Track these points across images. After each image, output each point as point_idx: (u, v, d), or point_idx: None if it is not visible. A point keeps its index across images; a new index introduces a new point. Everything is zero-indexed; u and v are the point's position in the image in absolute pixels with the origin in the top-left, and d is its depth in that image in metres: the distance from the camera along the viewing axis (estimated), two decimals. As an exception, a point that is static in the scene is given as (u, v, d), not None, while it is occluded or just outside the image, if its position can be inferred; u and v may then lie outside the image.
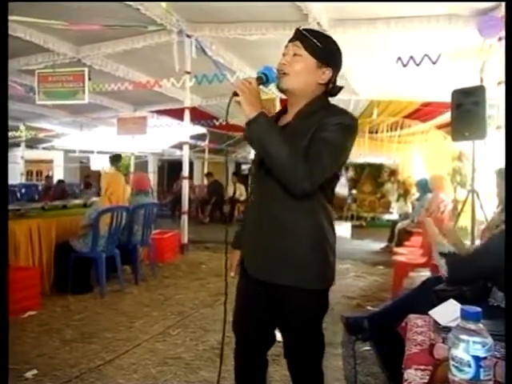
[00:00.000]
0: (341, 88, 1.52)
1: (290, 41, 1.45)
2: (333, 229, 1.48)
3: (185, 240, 6.04)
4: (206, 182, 11.46)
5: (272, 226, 1.42)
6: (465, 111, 4.30)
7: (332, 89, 1.49)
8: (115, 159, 7.82)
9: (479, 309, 0.88)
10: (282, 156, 1.28)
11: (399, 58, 5.04)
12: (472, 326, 0.86)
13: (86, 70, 6.23)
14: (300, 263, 1.40)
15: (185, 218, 6.06)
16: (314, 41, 1.40)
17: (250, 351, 1.61)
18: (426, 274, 4.24)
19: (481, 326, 0.86)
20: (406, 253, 4.57)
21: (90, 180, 10.70)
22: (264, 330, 1.56)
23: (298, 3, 4.34)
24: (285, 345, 1.53)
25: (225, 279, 1.52)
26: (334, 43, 1.46)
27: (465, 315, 0.88)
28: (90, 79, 6.25)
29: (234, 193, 10.10)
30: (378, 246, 7.15)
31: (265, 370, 1.65)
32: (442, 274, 1.71)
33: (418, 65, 4.95)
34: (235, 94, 1.34)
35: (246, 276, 1.52)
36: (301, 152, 1.30)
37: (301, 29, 1.44)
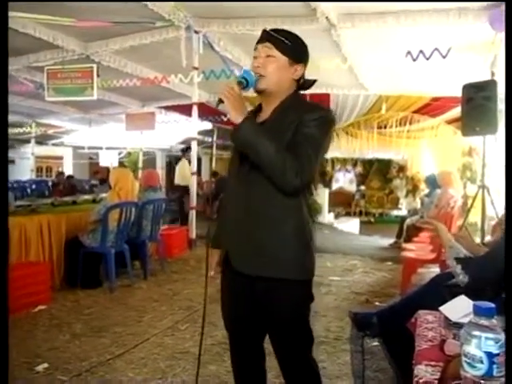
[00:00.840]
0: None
1: (259, 42, 1.48)
2: (313, 221, 1.54)
3: (193, 235, 6.06)
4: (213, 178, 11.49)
5: (261, 223, 1.45)
6: (476, 106, 4.25)
7: (304, 83, 1.55)
8: (186, 151, 8.75)
9: (492, 304, 0.87)
10: (271, 157, 1.34)
11: (409, 52, 4.98)
12: (485, 321, 0.85)
13: (95, 66, 6.24)
14: (289, 256, 1.45)
15: (193, 213, 6.08)
16: (284, 40, 1.45)
17: (245, 346, 1.63)
18: (435, 270, 4.22)
19: (494, 321, 0.85)
20: (415, 249, 4.54)
21: (103, 176, 10.77)
22: (254, 324, 1.57)
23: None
24: (273, 339, 1.54)
25: (205, 278, 1.55)
26: (301, 39, 1.52)
27: (478, 311, 0.86)
28: (98, 75, 6.27)
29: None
30: (387, 241, 7.12)
31: (263, 361, 1.67)
32: (459, 280, 1.68)
33: (427, 59, 4.88)
34: (220, 101, 1.38)
35: (231, 273, 1.52)
36: (288, 151, 1.36)
37: (268, 30, 1.47)
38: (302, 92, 1.58)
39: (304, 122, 1.39)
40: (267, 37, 1.45)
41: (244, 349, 1.63)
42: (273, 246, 1.43)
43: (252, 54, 1.51)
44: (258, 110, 1.57)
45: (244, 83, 1.42)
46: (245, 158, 1.43)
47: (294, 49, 1.47)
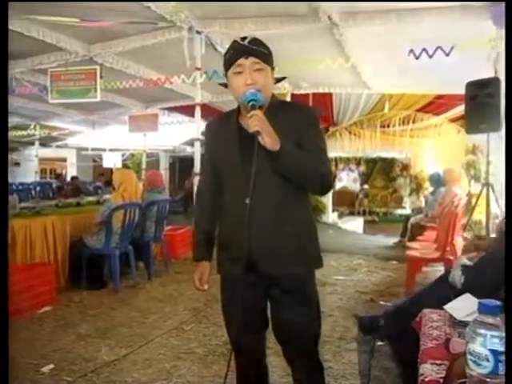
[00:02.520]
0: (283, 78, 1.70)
1: (239, 56, 1.44)
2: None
3: (197, 236, 6.06)
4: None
5: (289, 223, 1.49)
6: (479, 103, 4.24)
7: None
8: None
9: (498, 302, 0.86)
10: (311, 170, 1.44)
11: (411, 51, 4.96)
12: (490, 319, 0.84)
13: (98, 68, 6.26)
14: (313, 250, 1.56)
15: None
16: (265, 51, 1.48)
17: (249, 345, 1.62)
18: (439, 268, 4.21)
19: (499, 319, 0.85)
20: (419, 247, 4.53)
21: (108, 179, 10.80)
22: (262, 319, 1.60)
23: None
24: (286, 333, 1.55)
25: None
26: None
27: (482, 309, 0.86)
28: (101, 77, 6.29)
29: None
30: (391, 240, 7.11)
31: (265, 359, 1.70)
32: (456, 281, 1.71)
33: (430, 57, 4.87)
34: (258, 133, 1.35)
35: (241, 281, 1.49)
36: (313, 157, 1.45)
37: (246, 43, 1.46)
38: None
39: (307, 124, 1.49)
40: (251, 52, 1.44)
41: (248, 347, 1.62)
42: (300, 244, 1.51)
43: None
44: (238, 113, 1.55)
45: (256, 105, 1.41)
46: (251, 161, 1.39)
47: (271, 56, 1.50)
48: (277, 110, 1.50)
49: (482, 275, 1.66)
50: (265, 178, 1.43)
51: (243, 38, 1.47)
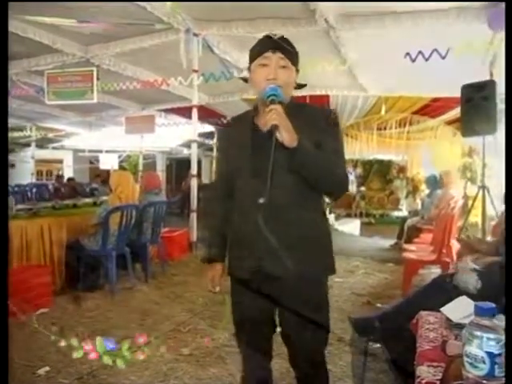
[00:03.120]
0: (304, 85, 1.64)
1: (268, 50, 1.43)
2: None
3: (194, 238, 6.05)
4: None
5: (300, 225, 1.46)
6: (475, 106, 4.27)
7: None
8: None
9: (493, 304, 0.87)
10: (329, 172, 1.43)
11: (408, 54, 4.99)
12: (486, 322, 0.85)
13: (95, 69, 6.26)
14: (326, 255, 1.53)
15: (194, 216, 6.07)
16: (292, 50, 1.47)
17: (258, 348, 1.60)
18: (436, 271, 4.21)
19: (495, 322, 0.85)
20: (416, 250, 4.54)
21: (104, 179, 10.78)
22: (271, 322, 1.57)
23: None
24: (294, 337, 1.51)
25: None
26: None
27: (479, 311, 0.87)
28: (98, 79, 6.29)
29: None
30: (388, 243, 7.12)
31: (270, 363, 1.67)
32: (471, 286, 1.69)
33: (426, 60, 4.90)
34: (276, 127, 1.32)
35: (252, 283, 1.48)
36: (331, 158, 1.44)
37: (276, 38, 1.45)
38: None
39: (326, 126, 1.47)
40: (279, 47, 1.43)
41: (257, 350, 1.60)
42: (313, 248, 1.47)
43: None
44: (254, 113, 1.54)
45: (276, 100, 1.38)
46: (265, 161, 1.33)
47: (297, 56, 1.49)
48: (295, 110, 1.46)
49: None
50: (280, 178, 1.38)
51: (273, 35, 1.47)
